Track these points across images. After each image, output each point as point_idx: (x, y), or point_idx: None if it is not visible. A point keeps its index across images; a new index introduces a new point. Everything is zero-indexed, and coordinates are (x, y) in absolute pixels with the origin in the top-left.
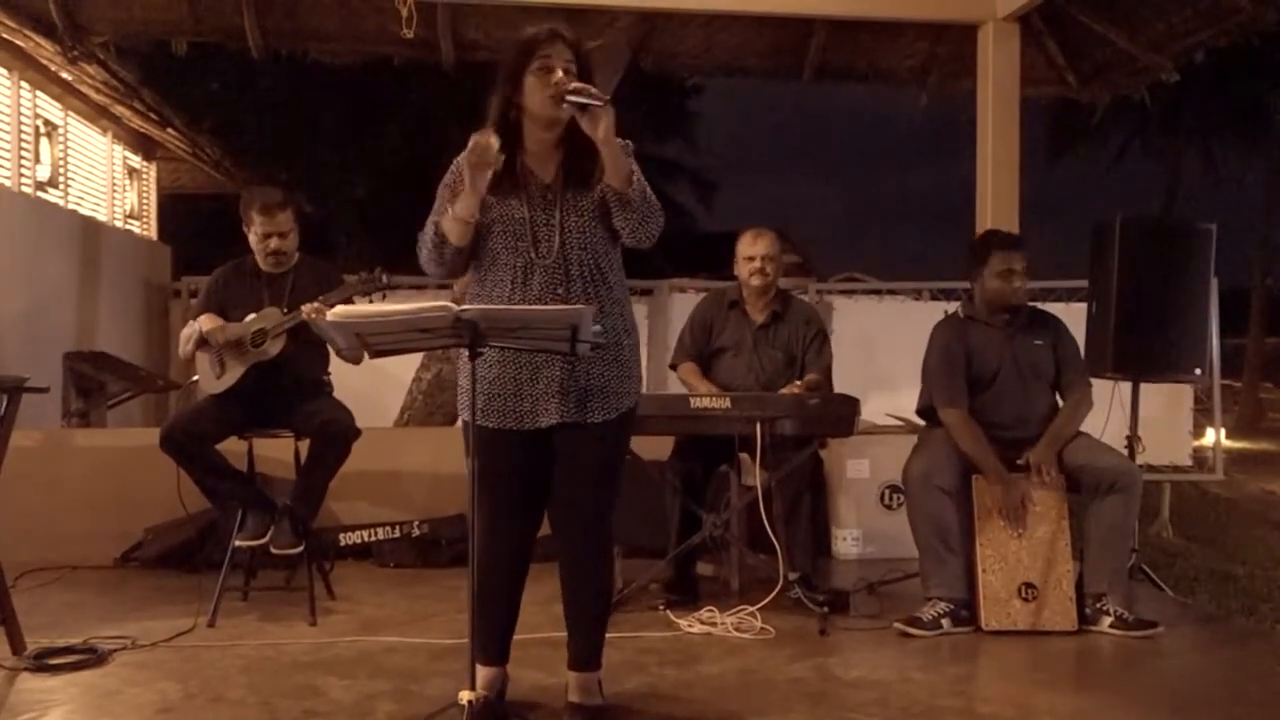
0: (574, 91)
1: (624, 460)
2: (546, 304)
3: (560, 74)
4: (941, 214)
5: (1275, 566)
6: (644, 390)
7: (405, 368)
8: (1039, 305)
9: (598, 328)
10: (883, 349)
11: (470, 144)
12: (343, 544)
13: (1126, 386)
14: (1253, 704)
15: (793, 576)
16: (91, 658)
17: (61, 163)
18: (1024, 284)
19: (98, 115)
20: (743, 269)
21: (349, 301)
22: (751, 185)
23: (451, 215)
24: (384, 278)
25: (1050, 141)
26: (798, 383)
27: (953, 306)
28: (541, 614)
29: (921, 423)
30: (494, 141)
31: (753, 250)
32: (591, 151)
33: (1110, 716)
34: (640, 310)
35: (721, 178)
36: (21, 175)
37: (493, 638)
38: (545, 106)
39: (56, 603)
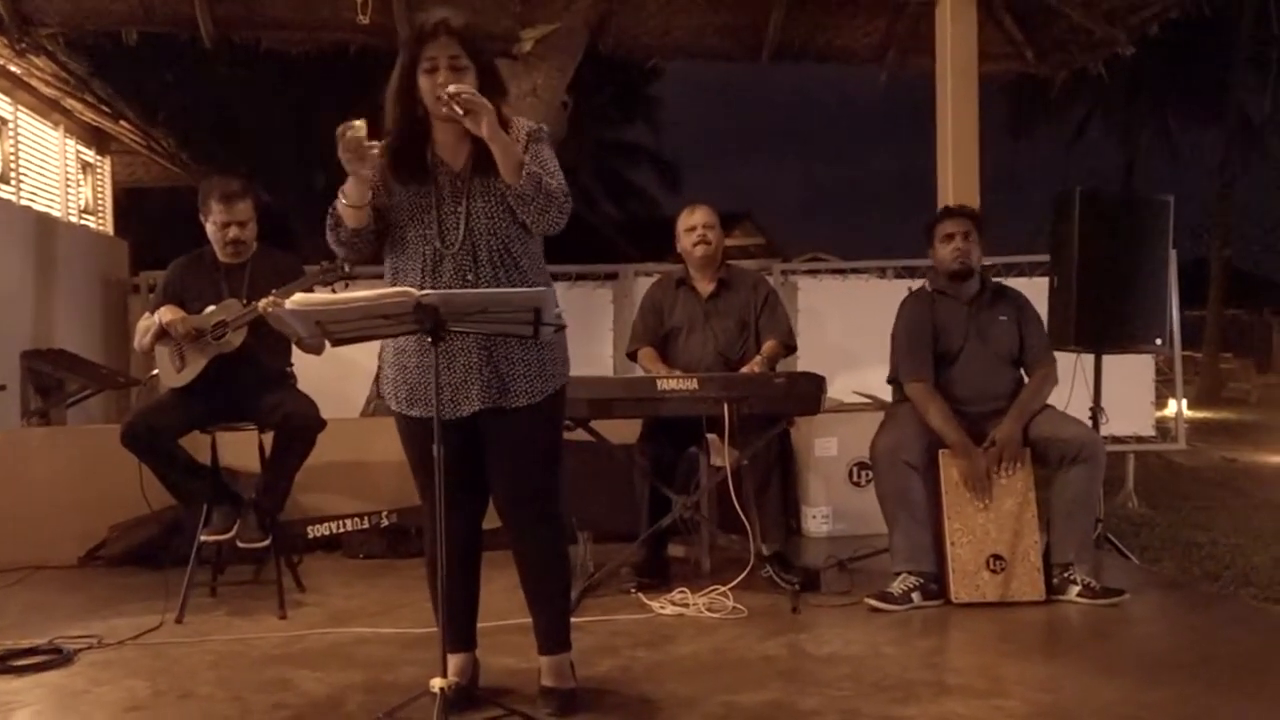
0: (451, 97)
1: (559, 443)
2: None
3: (442, 76)
4: (904, 195)
5: (1238, 533)
6: (611, 375)
7: (369, 357)
8: (1002, 281)
9: (559, 310)
10: (848, 327)
11: (338, 139)
12: (311, 536)
13: (1089, 359)
14: (1219, 667)
15: (767, 552)
16: (57, 658)
17: (12, 158)
18: (968, 248)
19: (48, 109)
20: (685, 241)
21: (309, 290)
22: (715, 169)
23: (343, 201)
24: (345, 267)
25: (1013, 119)
26: (758, 357)
27: (917, 284)
28: (509, 600)
29: (889, 399)
30: (358, 128)
31: (692, 221)
32: None
33: (1079, 683)
34: (605, 295)
35: (685, 162)
36: None
37: (457, 623)
38: (435, 107)
39: (20, 604)
